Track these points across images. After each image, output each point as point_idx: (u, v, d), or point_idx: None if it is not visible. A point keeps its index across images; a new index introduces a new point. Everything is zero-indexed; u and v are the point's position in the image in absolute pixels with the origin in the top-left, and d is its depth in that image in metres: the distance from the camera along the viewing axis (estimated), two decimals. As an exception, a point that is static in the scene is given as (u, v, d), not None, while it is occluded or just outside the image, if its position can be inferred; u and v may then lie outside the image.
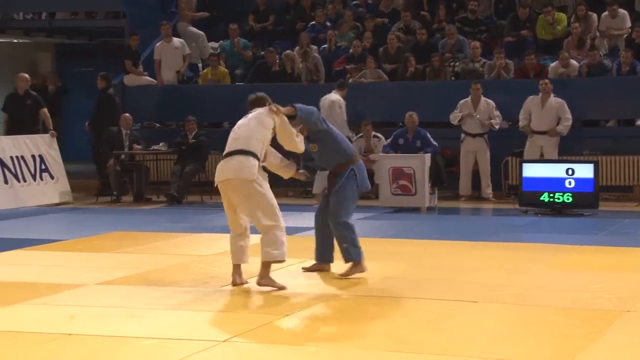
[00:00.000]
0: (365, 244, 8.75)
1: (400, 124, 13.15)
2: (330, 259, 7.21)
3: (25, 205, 12.30)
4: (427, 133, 12.35)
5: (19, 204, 12.24)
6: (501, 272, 7.29)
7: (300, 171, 7.12)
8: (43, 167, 12.81)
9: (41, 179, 12.73)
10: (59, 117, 15.23)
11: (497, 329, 5.47)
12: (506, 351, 4.95)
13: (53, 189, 12.87)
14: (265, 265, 6.58)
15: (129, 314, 5.85)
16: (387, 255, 8.03)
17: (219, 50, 15.61)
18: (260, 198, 6.49)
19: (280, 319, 5.64)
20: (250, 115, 6.85)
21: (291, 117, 6.79)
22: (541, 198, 11.21)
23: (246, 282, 6.73)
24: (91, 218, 11.43)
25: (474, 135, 12.71)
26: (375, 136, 13.27)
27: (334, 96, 12.81)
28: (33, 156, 12.72)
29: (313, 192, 12.65)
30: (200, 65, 15.62)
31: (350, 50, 14.79)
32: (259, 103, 6.93)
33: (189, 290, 6.63)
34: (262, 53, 15.21)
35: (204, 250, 8.34)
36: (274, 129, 6.71)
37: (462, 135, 12.78)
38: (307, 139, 6.97)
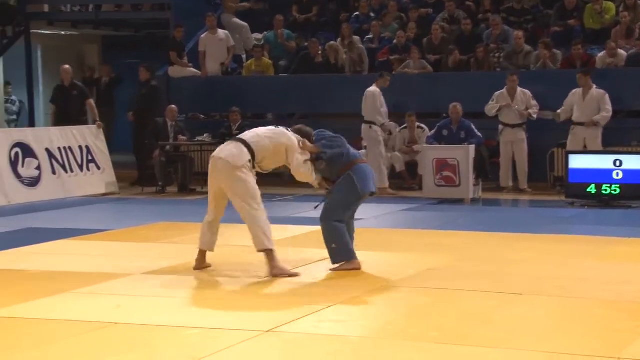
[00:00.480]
0: (409, 236, 8.75)
1: (444, 115, 13.06)
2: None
3: (73, 195, 12.45)
4: (472, 124, 12.26)
5: (67, 194, 12.39)
6: (546, 264, 7.20)
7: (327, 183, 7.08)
8: (90, 157, 12.96)
9: (88, 169, 12.88)
10: (112, 109, 15.37)
11: (543, 321, 5.41)
12: (552, 344, 4.89)
13: (99, 179, 13.01)
14: (268, 256, 6.68)
15: (174, 303, 5.88)
16: (430, 247, 7.99)
17: (262, 42, 15.63)
18: (242, 185, 6.65)
19: (324, 309, 5.63)
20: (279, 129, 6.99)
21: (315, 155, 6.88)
22: (588, 190, 11.07)
23: (209, 266, 6.98)
24: (136, 208, 11.53)
25: (512, 126, 12.58)
26: (419, 127, 13.20)
27: (370, 88, 12.80)
28: (80, 147, 12.87)
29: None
30: (244, 56, 15.65)
31: (394, 41, 14.72)
32: (300, 133, 6.98)
33: (234, 280, 6.66)
34: (306, 44, 15.20)
35: (248, 240, 8.35)
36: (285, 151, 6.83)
37: (500, 126, 12.64)
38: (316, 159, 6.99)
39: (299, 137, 6.92)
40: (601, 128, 12.16)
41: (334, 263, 6.92)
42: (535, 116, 12.55)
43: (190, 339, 5.03)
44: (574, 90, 12.30)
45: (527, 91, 12.56)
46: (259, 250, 6.75)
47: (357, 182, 6.91)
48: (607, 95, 12.10)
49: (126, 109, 14.68)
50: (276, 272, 6.66)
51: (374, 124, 12.50)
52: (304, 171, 6.84)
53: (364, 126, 12.58)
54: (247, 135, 6.96)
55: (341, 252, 6.90)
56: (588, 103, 12.20)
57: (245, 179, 6.71)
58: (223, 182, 6.79)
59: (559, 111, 12.36)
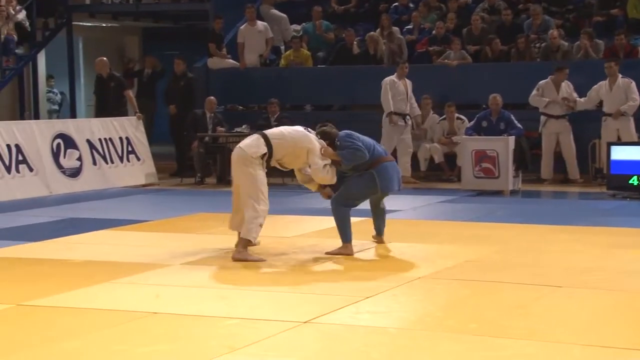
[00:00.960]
0: (447, 227, 8.70)
1: (484, 106, 12.96)
2: (379, 232, 7.63)
3: (113, 186, 12.57)
4: (511, 115, 12.16)
5: (107, 185, 12.51)
6: (587, 256, 7.13)
7: (321, 191, 7.41)
8: (130, 149, 13.06)
9: (128, 160, 12.99)
10: (153, 101, 15.44)
11: (583, 314, 5.36)
12: (592, 337, 4.84)
13: (139, 170, 13.11)
14: (242, 243, 7.00)
15: (213, 294, 5.92)
16: (469, 239, 7.94)
17: (301, 33, 15.62)
18: (247, 177, 6.95)
19: (362, 301, 5.63)
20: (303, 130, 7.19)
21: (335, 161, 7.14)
22: (630, 181, 10.92)
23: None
24: (175, 199, 11.61)
25: (557, 117, 12.44)
26: (458, 118, 13.13)
27: (388, 77, 12.78)
28: (120, 138, 12.98)
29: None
30: (282, 47, 15.66)
31: (433, 32, 14.62)
32: (325, 136, 7.18)
33: (271, 270, 6.68)
34: (344, 35, 15.16)
35: (286, 231, 8.39)
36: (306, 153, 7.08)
37: (543, 117, 12.50)
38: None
39: (323, 142, 7.12)
40: (631, 118, 12.00)
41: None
42: (577, 108, 12.39)
43: (228, 329, 5.06)
44: (600, 83, 12.14)
45: (570, 83, 12.42)
46: (241, 236, 7.03)
47: (378, 181, 7.23)
48: (633, 84, 11.96)
49: (163, 100, 14.76)
50: (237, 256, 6.96)
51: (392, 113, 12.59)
52: (322, 175, 7.11)
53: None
54: (271, 131, 7.21)
55: (341, 234, 7.23)
56: (615, 93, 12.05)
57: (252, 172, 6.96)
58: (234, 171, 7.11)
59: (580, 99, 12.23)
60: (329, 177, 7.15)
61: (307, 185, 7.49)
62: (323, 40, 15.47)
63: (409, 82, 12.93)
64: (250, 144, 7.06)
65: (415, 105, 13.07)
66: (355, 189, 7.25)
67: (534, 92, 12.51)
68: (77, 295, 5.91)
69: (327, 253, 7.23)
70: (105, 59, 13.61)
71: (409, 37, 14.87)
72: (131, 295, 5.91)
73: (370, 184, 7.23)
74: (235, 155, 7.12)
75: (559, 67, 12.47)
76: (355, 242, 7.40)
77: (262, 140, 7.05)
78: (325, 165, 7.08)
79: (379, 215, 7.64)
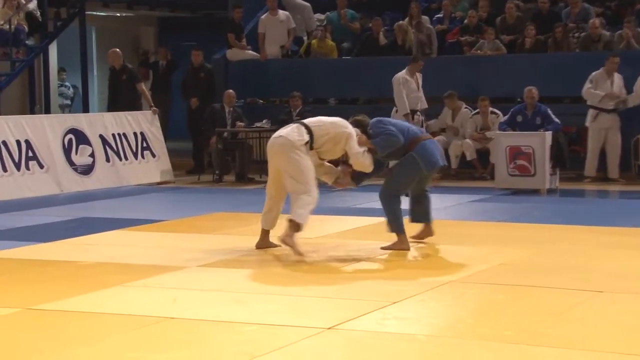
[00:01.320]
0: (481, 228, 8.65)
1: (519, 99, 12.87)
2: (422, 219, 7.70)
3: (127, 184, 12.61)
4: (548, 109, 12.07)
5: (121, 183, 12.56)
6: (630, 260, 7.05)
7: (339, 180, 7.50)
8: (144, 144, 13.10)
9: (142, 157, 13.02)
10: (168, 94, 15.47)
11: (626, 321, 5.29)
12: (637, 345, 4.77)
13: (154, 167, 13.15)
14: (289, 224, 7.02)
15: (231, 298, 5.91)
16: (503, 241, 7.89)
17: (325, 22, 15.60)
18: (295, 164, 7.00)
19: (389, 306, 5.59)
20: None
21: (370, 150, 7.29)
22: (676, 180, 10.81)
23: (274, 246, 7.34)
24: (192, 198, 11.63)
25: (608, 111, 12.32)
26: (492, 112, 13.05)
27: (399, 73, 12.75)
28: (135, 133, 13.02)
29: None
30: (305, 38, 15.64)
31: (465, 21, 14.55)
32: (360, 125, 7.36)
33: (293, 274, 6.66)
34: (370, 25, 15.12)
35: (308, 232, 8.36)
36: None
37: (593, 111, 12.37)
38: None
39: (358, 131, 7.26)
40: None
41: (388, 232, 7.43)
42: (629, 104, 12.26)
43: (248, 335, 5.04)
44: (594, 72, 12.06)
45: (620, 75, 12.27)
46: (289, 219, 7.04)
47: (420, 161, 7.34)
48: None
49: (179, 93, 14.79)
50: (287, 240, 7.01)
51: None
52: (362, 160, 7.20)
53: (394, 109, 12.74)
54: (309, 119, 7.32)
55: (393, 225, 7.38)
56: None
57: (299, 159, 7.03)
58: (278, 160, 7.11)
59: (630, 95, 12.12)
60: (368, 163, 7.22)
61: (324, 177, 7.53)
62: (348, 30, 15.44)
63: (419, 75, 12.90)
64: (291, 132, 7.11)
65: (424, 99, 13.01)
66: (400, 176, 7.41)
67: (587, 84, 12.36)
68: (88, 299, 5.92)
69: (382, 248, 7.36)
70: (118, 50, 13.65)
71: (439, 26, 14.81)
72: (145, 299, 5.92)
73: (413, 166, 7.35)
74: (276, 144, 7.12)
75: (608, 57, 12.34)
76: (377, 244, 7.36)
77: (302, 128, 7.13)
78: (364, 151, 7.19)
79: (422, 201, 7.63)
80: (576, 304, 5.66)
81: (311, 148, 7.12)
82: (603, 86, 12.31)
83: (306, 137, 7.06)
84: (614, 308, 5.60)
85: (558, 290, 6.01)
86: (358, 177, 7.51)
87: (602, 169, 12.59)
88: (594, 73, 12.35)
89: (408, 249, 7.36)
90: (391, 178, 7.46)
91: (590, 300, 5.75)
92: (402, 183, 7.45)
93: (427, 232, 7.74)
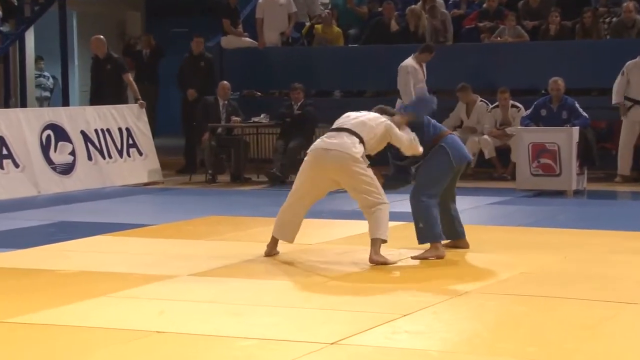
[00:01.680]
0: (501, 233, 8.67)
1: (543, 91, 12.89)
2: (457, 235, 7.68)
3: (111, 184, 12.64)
4: (576, 102, 12.08)
5: (104, 184, 12.58)
6: (665, 268, 7.06)
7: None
8: (130, 141, 13.12)
9: (128, 155, 13.05)
10: (156, 85, 15.49)
11: (660, 336, 5.30)
12: (671, 364, 4.79)
13: (141, 166, 13.18)
14: (374, 243, 7.15)
15: (226, 310, 5.93)
16: (526, 246, 7.90)
17: (330, 7, 15.63)
18: (364, 179, 7.14)
19: (399, 319, 5.61)
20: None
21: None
22: None
23: (277, 253, 7.49)
24: (183, 200, 11.65)
25: None
26: (513, 106, 13.06)
27: (406, 61, 12.75)
28: (120, 129, 13.04)
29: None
30: (307, 24, 15.66)
31: (484, 5, 14.57)
32: (386, 113, 7.52)
33: (293, 284, 6.68)
34: (380, 9, 15.14)
35: (310, 238, 8.38)
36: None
37: (628, 103, 12.35)
38: None
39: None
40: None
41: (420, 243, 7.43)
42: None
43: (244, 350, 5.06)
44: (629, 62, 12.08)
45: None
46: (375, 238, 7.16)
47: (450, 152, 7.37)
48: None
49: (172, 85, 14.80)
50: (379, 259, 7.12)
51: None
52: (415, 144, 7.30)
53: (398, 101, 12.71)
54: (348, 123, 7.29)
55: (427, 232, 7.35)
56: None
57: (365, 172, 7.15)
58: (339, 176, 7.19)
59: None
60: (416, 145, 7.30)
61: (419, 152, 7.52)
62: (355, 15, 15.46)
63: (424, 66, 12.93)
64: (344, 143, 7.12)
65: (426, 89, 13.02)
66: (430, 172, 7.39)
67: (619, 77, 12.34)
68: (68, 311, 5.94)
69: (412, 258, 7.35)
70: (102, 37, 13.67)
71: (455, 11, 14.84)
72: (132, 311, 5.93)
73: (444, 158, 7.35)
74: (331, 158, 7.12)
75: None
76: (391, 251, 7.38)
77: (353, 136, 7.16)
78: (413, 137, 7.32)
79: (449, 209, 7.58)
80: (606, 317, 5.68)
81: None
82: (635, 77, 12.30)
83: (361, 148, 7.13)
84: (647, 321, 5.61)
85: (586, 302, 6.02)
86: (398, 167, 7.59)
87: (636, 168, 12.59)
88: (628, 63, 12.33)
89: (443, 257, 7.32)
90: (420, 176, 7.46)
91: (622, 313, 5.76)
92: (434, 180, 7.39)
93: (461, 245, 7.71)
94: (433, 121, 7.64)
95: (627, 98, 12.40)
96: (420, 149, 7.33)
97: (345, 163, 7.11)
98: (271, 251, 7.55)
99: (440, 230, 7.38)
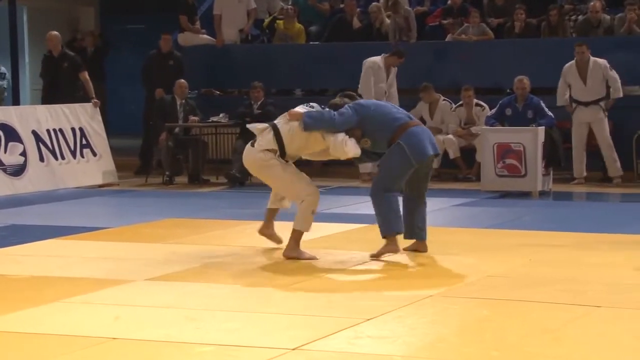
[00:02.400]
0: (466, 235, 8.72)
1: (508, 90, 12.98)
2: (415, 235, 7.71)
3: (64, 186, 12.56)
4: (541, 101, 12.18)
5: (57, 185, 12.50)
6: (631, 271, 7.15)
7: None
8: (84, 142, 13.04)
9: (82, 156, 12.97)
10: (102, 82, 15.37)
11: (626, 339, 5.37)
12: (637, 367, 4.86)
13: (95, 167, 13.10)
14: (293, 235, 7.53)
15: (183, 315, 5.92)
16: (492, 249, 7.96)
17: (290, 3, 15.64)
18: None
19: (362, 323, 5.64)
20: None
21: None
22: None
23: (279, 240, 7.84)
24: (139, 202, 11.60)
25: (586, 104, 12.43)
26: (478, 105, 13.15)
27: (372, 58, 12.80)
28: (73, 129, 12.96)
29: (360, 171, 12.70)
30: (268, 18, 15.64)
31: (448, 2, 14.65)
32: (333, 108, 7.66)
33: (253, 288, 6.68)
34: (341, 6, 15.18)
35: (270, 242, 8.39)
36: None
37: (572, 104, 12.50)
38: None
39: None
40: None
41: (382, 237, 7.52)
42: (618, 94, 12.36)
43: (201, 357, 5.06)
44: (568, 64, 12.29)
45: (602, 61, 12.36)
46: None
47: (407, 150, 7.35)
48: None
49: (126, 83, 14.72)
50: (291, 254, 7.49)
51: None
52: (345, 149, 7.36)
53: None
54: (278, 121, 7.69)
55: (382, 227, 7.47)
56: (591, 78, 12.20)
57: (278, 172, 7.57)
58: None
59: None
60: (349, 148, 7.35)
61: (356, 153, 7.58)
62: (316, 11, 15.48)
63: (394, 70, 12.97)
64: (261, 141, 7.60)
65: (396, 94, 13.03)
66: (390, 169, 7.47)
67: (560, 80, 12.48)
68: (20, 318, 5.90)
69: (371, 256, 7.48)
70: (57, 33, 13.58)
71: (418, 8, 14.91)
72: (86, 317, 5.91)
73: (402, 157, 7.37)
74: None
75: (576, 44, 12.44)
76: (354, 254, 7.41)
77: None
78: (342, 139, 7.36)
79: (415, 209, 7.60)
80: (571, 320, 5.74)
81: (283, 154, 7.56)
82: (572, 79, 12.40)
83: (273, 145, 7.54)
84: (612, 325, 5.67)
85: (551, 305, 6.08)
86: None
87: (600, 169, 12.71)
88: (565, 66, 12.44)
89: (396, 252, 7.46)
90: (380, 172, 7.59)
91: (587, 316, 5.82)
92: (393, 176, 7.45)
93: (419, 248, 7.73)
94: (396, 111, 7.61)
95: (572, 100, 12.51)
96: (355, 151, 7.39)
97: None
98: (266, 228, 7.94)
99: (398, 225, 7.45)
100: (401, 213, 7.48)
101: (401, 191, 7.58)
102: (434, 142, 7.57)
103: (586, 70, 12.35)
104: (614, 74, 12.32)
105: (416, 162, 7.40)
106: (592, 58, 12.36)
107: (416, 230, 7.66)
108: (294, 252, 7.47)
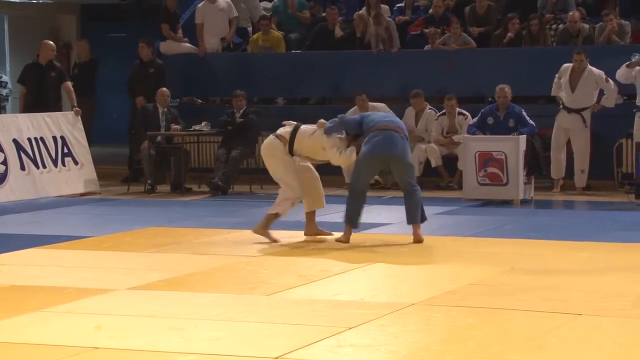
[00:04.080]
0: (448, 243, 8.74)
1: (490, 99, 13.02)
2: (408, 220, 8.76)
3: (45, 195, 12.51)
4: (522, 110, 12.23)
5: (38, 194, 12.45)
6: (612, 278, 7.18)
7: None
8: (66, 150, 13.00)
9: (63, 164, 12.92)
10: (92, 97, 15.18)
11: (609, 347, 5.39)
12: (619, 375, 4.88)
13: (77, 176, 13.06)
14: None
15: (166, 324, 5.91)
16: (473, 257, 7.98)
17: (271, 12, 15.64)
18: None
19: (344, 332, 5.64)
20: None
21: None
22: (663, 189, 11.02)
23: (324, 236, 8.83)
24: (121, 211, 11.57)
25: (569, 110, 12.47)
26: (460, 113, 13.18)
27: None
28: (54, 138, 12.91)
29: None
30: (250, 29, 15.67)
31: (430, 11, 14.68)
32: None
33: (236, 297, 6.68)
34: (323, 14, 15.19)
35: (253, 250, 8.39)
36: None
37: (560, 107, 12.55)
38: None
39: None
40: None
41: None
42: (610, 104, 12.40)
43: (184, 366, 5.05)
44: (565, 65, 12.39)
45: (598, 71, 12.37)
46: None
47: (364, 148, 8.40)
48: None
49: (108, 92, 14.65)
50: (259, 230, 8.70)
51: None
52: (342, 159, 8.57)
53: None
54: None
55: (344, 215, 8.59)
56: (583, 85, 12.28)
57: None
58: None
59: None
60: (345, 157, 8.52)
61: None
62: (297, 19, 15.48)
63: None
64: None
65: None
66: (355, 167, 8.54)
67: (556, 79, 12.51)
68: (1, 327, 5.87)
69: (337, 240, 8.58)
70: (52, 42, 13.54)
71: (400, 17, 14.93)
72: (67, 326, 5.89)
73: (360, 156, 8.43)
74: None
75: (575, 52, 12.51)
76: (337, 263, 7.40)
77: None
78: (339, 149, 8.51)
79: (405, 200, 8.65)
80: (552, 328, 5.75)
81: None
82: (565, 83, 12.46)
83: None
84: (594, 332, 5.69)
85: (533, 313, 6.09)
86: None
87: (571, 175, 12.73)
88: (564, 65, 12.47)
89: (343, 242, 8.48)
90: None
91: (568, 324, 5.84)
92: (354, 174, 8.61)
93: (414, 236, 8.62)
94: (372, 117, 8.62)
95: (561, 104, 12.55)
96: (350, 160, 8.50)
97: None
98: (310, 229, 8.93)
99: (348, 218, 8.53)
100: (359, 208, 8.52)
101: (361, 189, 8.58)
102: (391, 144, 8.42)
103: (578, 79, 12.39)
104: (610, 85, 12.34)
105: (365, 158, 8.36)
106: (588, 67, 12.39)
107: (407, 217, 8.67)
108: (262, 230, 8.65)
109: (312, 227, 8.90)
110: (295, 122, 8.80)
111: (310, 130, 8.65)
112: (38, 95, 13.32)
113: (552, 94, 12.61)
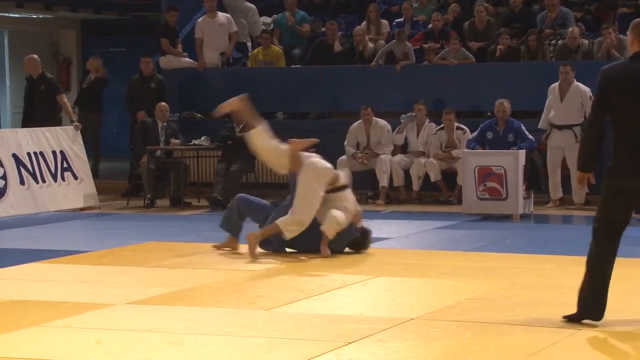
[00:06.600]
0: (446, 258, 8.74)
1: (489, 113, 13.04)
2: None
3: (44, 210, 12.50)
4: (522, 125, 12.24)
5: (37, 209, 12.44)
6: (613, 293, 7.15)
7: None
8: (65, 165, 13.00)
9: (63, 179, 12.92)
10: (98, 113, 15.15)
11: (608, 362, 5.39)
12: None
13: (76, 191, 13.06)
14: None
15: (165, 339, 5.90)
16: (473, 272, 7.98)
17: (272, 26, 15.67)
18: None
19: (344, 347, 5.63)
20: None
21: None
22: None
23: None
24: (120, 225, 11.57)
25: (560, 128, 12.48)
26: (458, 128, 13.18)
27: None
28: (54, 152, 12.91)
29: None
30: (249, 44, 15.70)
31: (430, 26, 14.71)
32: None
33: (235, 311, 6.67)
34: (323, 29, 15.23)
35: (252, 264, 8.38)
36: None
37: (549, 127, 12.55)
38: None
39: None
40: None
41: None
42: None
43: (183, 381, 5.05)
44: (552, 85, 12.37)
45: (584, 88, 12.39)
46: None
47: None
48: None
49: (110, 107, 14.64)
50: (252, 237, 8.70)
51: None
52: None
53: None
54: None
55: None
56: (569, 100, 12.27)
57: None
58: None
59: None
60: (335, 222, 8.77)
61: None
62: (298, 34, 15.51)
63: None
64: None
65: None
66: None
67: (547, 103, 12.55)
68: (0, 342, 5.86)
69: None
70: (36, 57, 13.56)
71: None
72: (66, 341, 5.88)
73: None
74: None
75: (562, 65, 12.52)
76: (337, 276, 7.39)
77: None
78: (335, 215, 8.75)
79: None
80: (552, 343, 5.75)
81: None
82: (555, 103, 12.46)
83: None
84: (593, 347, 5.69)
85: (532, 328, 6.09)
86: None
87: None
88: (551, 86, 12.49)
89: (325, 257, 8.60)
90: None
91: (568, 339, 5.84)
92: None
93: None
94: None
95: (550, 123, 12.54)
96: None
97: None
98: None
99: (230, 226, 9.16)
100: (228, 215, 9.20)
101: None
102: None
103: (565, 92, 12.43)
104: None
105: None
106: (575, 82, 12.42)
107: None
108: (254, 240, 8.62)
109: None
110: (348, 180, 9.37)
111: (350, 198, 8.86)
112: (30, 109, 13.35)
113: (539, 126, 12.57)
